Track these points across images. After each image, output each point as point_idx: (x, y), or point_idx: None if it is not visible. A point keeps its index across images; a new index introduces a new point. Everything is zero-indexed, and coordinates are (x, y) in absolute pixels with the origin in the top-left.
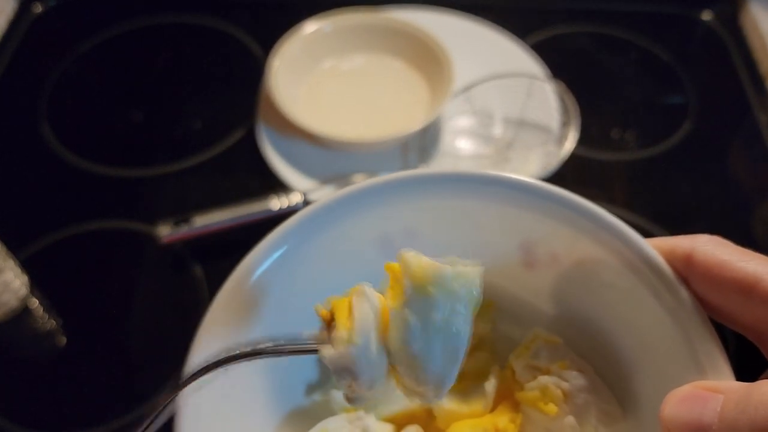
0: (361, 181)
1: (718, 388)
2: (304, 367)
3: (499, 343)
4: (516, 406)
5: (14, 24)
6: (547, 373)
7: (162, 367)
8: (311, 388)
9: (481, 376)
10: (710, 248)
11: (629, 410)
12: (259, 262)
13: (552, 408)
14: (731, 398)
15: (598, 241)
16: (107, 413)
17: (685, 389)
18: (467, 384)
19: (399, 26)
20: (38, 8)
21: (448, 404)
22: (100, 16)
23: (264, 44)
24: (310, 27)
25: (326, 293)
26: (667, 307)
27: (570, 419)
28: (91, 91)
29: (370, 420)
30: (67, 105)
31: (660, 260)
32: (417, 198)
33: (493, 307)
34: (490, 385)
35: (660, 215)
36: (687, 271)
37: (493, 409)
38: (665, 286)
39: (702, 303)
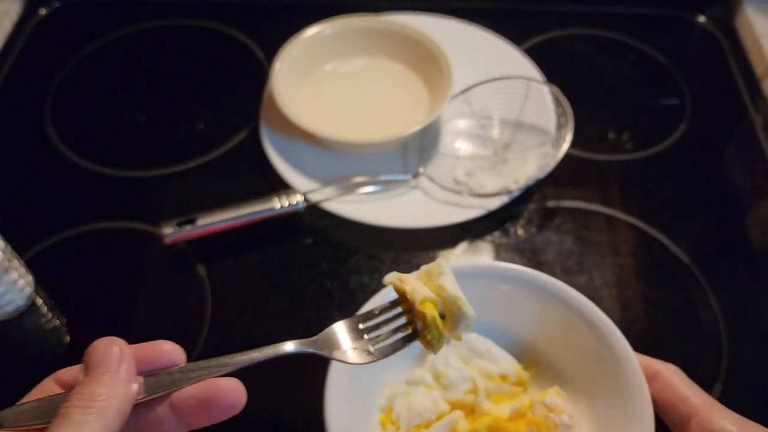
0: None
1: None
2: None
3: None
4: (526, 424)
5: (19, 26)
6: (551, 411)
7: None
8: (416, 359)
9: (513, 398)
10: (674, 373)
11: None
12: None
13: (544, 427)
14: None
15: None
16: None
17: None
18: (503, 400)
19: (398, 29)
20: (43, 10)
21: (486, 406)
22: (104, 18)
23: (266, 47)
24: (312, 30)
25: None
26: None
27: None
28: (95, 92)
29: (438, 396)
30: (72, 106)
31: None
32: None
33: (533, 364)
34: (515, 404)
35: (656, 216)
36: (650, 380)
37: (511, 419)
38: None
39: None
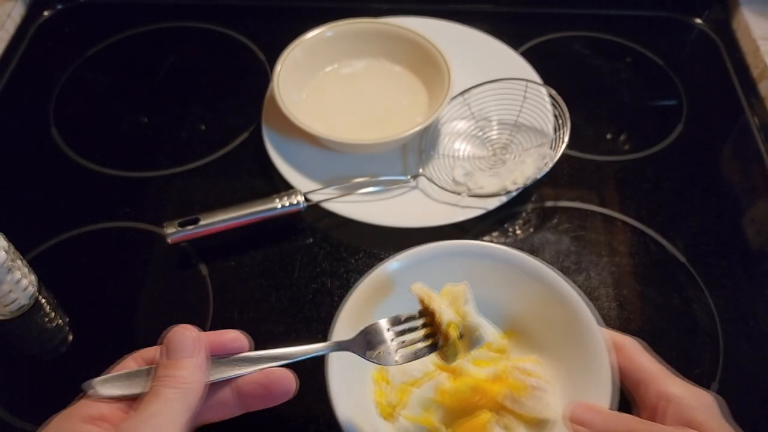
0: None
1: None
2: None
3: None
4: (505, 386)
5: (22, 28)
6: (528, 375)
7: None
8: None
9: (494, 363)
10: (637, 347)
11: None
12: (389, 265)
13: (521, 390)
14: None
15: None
16: None
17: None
18: (485, 364)
19: (398, 32)
20: (46, 13)
21: (469, 369)
22: (107, 20)
23: (268, 50)
24: (312, 33)
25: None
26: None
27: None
28: (98, 94)
29: (426, 359)
30: (75, 108)
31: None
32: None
33: (512, 333)
34: (496, 369)
35: (653, 216)
36: (618, 351)
37: (491, 381)
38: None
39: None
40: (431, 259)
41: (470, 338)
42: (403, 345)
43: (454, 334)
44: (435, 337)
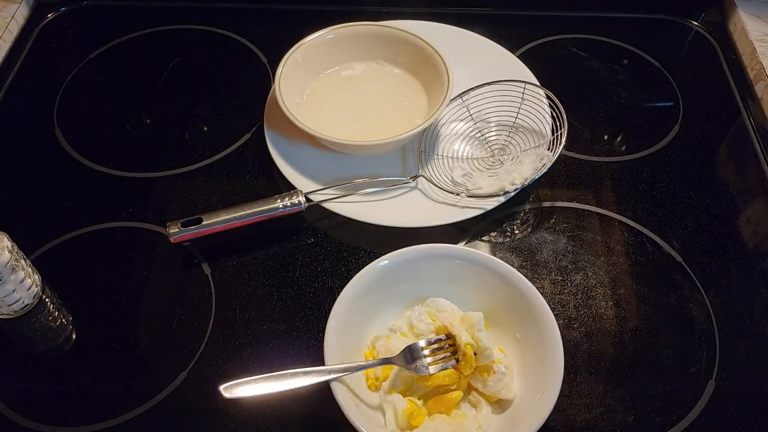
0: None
1: None
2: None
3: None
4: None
5: (26, 30)
6: (492, 362)
7: (171, 362)
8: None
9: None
10: None
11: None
12: (377, 264)
13: (486, 372)
14: None
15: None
16: (117, 407)
17: None
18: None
19: (398, 35)
20: (50, 15)
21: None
22: (111, 23)
23: (269, 52)
24: (313, 36)
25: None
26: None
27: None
28: (102, 95)
29: (409, 341)
30: (79, 109)
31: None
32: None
33: (486, 326)
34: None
35: (649, 216)
36: None
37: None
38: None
39: None
40: (416, 260)
41: (482, 355)
42: (434, 360)
43: (470, 352)
44: (456, 354)
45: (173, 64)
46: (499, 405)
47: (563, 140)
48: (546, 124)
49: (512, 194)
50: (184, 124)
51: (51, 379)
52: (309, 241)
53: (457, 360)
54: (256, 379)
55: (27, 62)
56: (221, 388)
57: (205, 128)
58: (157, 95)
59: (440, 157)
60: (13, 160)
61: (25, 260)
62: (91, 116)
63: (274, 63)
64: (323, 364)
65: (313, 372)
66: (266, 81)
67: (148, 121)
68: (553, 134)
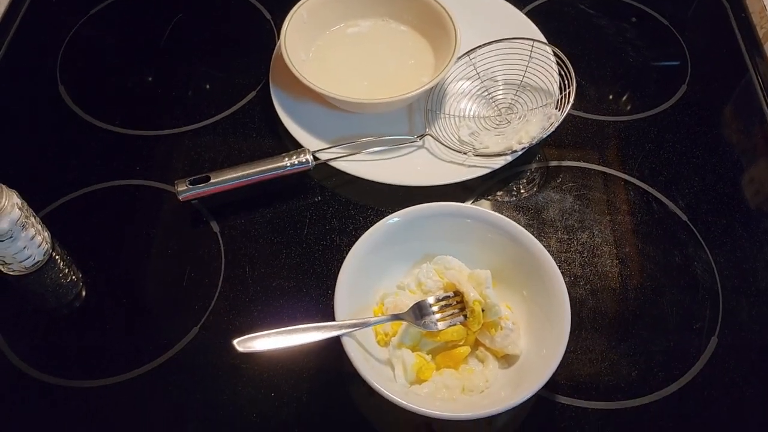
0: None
1: None
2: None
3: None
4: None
5: None
6: (500, 319)
7: (183, 318)
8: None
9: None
10: None
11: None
12: (387, 221)
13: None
14: None
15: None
16: (130, 362)
17: None
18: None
19: None
20: None
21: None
22: None
23: (274, 9)
24: None
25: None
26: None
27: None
28: (104, 52)
29: (418, 297)
30: (81, 66)
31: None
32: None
33: (494, 283)
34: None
35: (655, 175)
36: None
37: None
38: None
39: None
40: (425, 218)
41: (489, 312)
42: (442, 316)
43: (478, 308)
44: (464, 310)
45: (175, 21)
46: (506, 360)
47: (572, 99)
48: (554, 83)
49: (519, 153)
50: (188, 82)
51: (63, 333)
52: (317, 200)
53: (465, 316)
54: (269, 333)
55: (27, 17)
56: (235, 342)
57: (210, 86)
58: (160, 53)
59: (447, 115)
60: (19, 118)
61: (35, 217)
62: (94, 74)
63: (279, 20)
64: (332, 320)
65: (325, 327)
66: (271, 38)
67: (151, 78)
68: (560, 93)
